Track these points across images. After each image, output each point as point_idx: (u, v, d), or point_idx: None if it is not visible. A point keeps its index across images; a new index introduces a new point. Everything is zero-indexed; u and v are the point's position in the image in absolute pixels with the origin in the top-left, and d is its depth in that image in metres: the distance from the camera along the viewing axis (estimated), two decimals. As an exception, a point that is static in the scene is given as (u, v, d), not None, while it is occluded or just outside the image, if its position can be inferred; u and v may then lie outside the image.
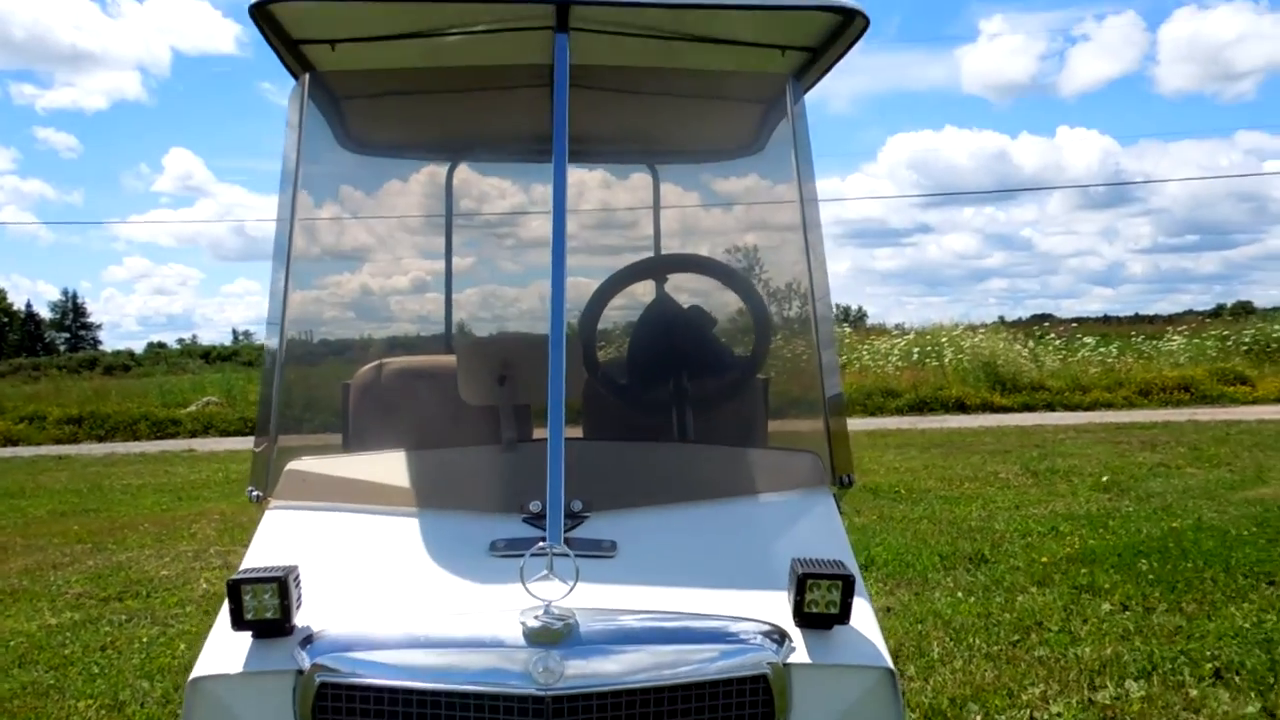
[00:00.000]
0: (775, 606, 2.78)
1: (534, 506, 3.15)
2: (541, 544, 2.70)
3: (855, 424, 24.20)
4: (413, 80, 4.32)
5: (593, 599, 2.68)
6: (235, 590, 2.71)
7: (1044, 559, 9.46)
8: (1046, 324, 38.13)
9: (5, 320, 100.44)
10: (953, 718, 5.81)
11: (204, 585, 9.84)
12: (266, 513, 3.43)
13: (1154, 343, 36.06)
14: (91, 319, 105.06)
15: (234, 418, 29.20)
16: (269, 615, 2.70)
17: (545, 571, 2.66)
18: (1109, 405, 27.04)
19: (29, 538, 12.83)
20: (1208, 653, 6.82)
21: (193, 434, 28.28)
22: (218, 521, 13.35)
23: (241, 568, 2.84)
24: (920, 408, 27.06)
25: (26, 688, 6.83)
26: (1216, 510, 11.81)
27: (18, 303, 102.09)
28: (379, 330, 5.59)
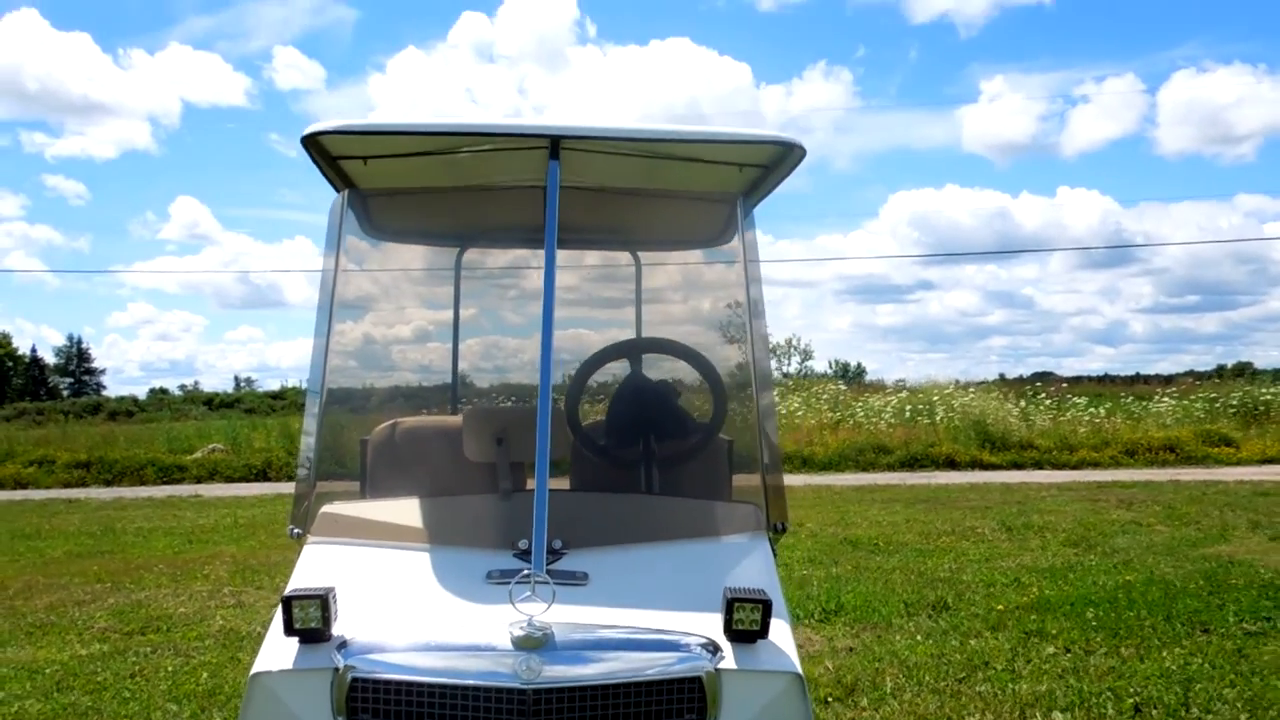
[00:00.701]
0: (711, 625, 3.58)
1: (523, 544, 3.97)
2: (527, 573, 3.50)
3: (846, 479, 24.93)
4: (431, 188, 5.19)
5: (567, 616, 3.48)
6: (288, 604, 3.53)
7: (1000, 606, 10.19)
8: (1047, 382, 38.78)
9: (10, 365, 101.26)
10: (895, 742, 6.54)
11: (220, 621, 10.57)
12: (306, 547, 4.24)
13: (1144, 404, 36.82)
14: (95, 364, 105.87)
15: (239, 464, 29.89)
16: (313, 625, 3.50)
17: (529, 593, 3.46)
18: (1095, 464, 27.72)
19: (50, 576, 13.55)
20: (1132, 689, 7.56)
21: (198, 479, 28.97)
22: (229, 563, 14.07)
23: (288, 589, 3.64)
24: (911, 464, 27.74)
25: (66, 709, 7.55)
26: (1173, 565, 12.53)
27: (22, 347, 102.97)
28: (395, 393, 6.45)
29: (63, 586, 12.81)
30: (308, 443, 4.51)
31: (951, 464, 27.81)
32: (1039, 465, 27.69)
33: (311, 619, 3.54)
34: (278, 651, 3.59)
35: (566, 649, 3.40)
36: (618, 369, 5.23)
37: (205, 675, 8.36)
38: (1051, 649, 8.68)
